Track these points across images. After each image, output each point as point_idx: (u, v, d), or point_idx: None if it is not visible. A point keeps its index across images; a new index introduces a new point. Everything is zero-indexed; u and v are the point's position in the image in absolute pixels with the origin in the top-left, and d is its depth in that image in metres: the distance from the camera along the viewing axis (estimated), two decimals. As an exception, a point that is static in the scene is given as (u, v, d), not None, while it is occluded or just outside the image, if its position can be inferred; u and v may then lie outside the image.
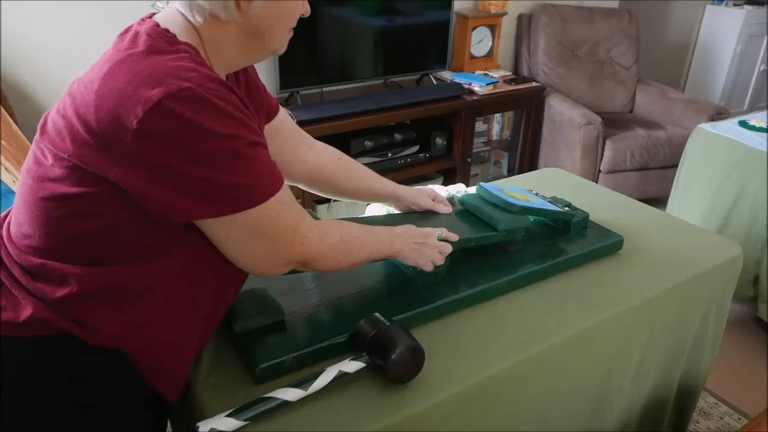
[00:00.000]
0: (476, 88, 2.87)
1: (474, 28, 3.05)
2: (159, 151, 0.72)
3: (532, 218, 1.34)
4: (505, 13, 3.11)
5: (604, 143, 2.96)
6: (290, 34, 0.91)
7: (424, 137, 2.82)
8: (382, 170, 2.67)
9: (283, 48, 0.91)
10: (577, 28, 3.35)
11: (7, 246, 0.84)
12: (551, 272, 1.23)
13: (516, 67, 3.50)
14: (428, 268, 1.07)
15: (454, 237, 1.11)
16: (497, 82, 2.98)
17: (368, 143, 2.63)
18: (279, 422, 0.85)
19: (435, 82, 2.96)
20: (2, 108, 1.89)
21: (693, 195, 2.42)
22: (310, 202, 2.54)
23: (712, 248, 1.38)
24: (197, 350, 0.94)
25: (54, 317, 0.79)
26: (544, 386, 1.08)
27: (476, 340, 1.04)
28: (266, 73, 2.61)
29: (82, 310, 0.80)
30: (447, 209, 1.29)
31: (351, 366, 0.90)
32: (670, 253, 1.34)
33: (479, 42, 3.13)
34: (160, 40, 0.79)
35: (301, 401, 0.87)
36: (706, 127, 2.40)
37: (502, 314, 1.11)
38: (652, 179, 3.05)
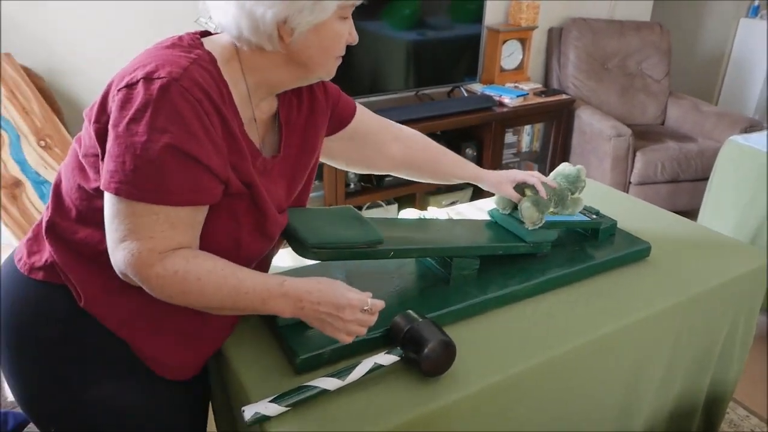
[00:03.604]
0: (506, 100, 2.92)
1: (505, 42, 3.09)
2: (113, 117, 0.81)
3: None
4: (535, 27, 3.15)
5: (634, 155, 2.97)
6: (337, 62, 0.96)
7: (454, 148, 2.84)
8: (413, 180, 2.72)
9: (329, 74, 0.96)
10: (607, 41, 3.37)
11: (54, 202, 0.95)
12: (579, 277, 1.26)
13: (546, 80, 3.53)
14: (342, 340, 0.91)
15: (380, 304, 0.92)
16: (527, 94, 3.02)
17: (399, 153, 2.69)
18: (318, 409, 0.90)
19: (466, 95, 3.01)
20: (57, 119, 2.00)
21: (724, 207, 2.41)
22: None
23: (740, 257, 1.40)
24: (197, 344, 1.00)
25: (59, 268, 0.91)
26: (570, 386, 1.11)
27: (504, 339, 1.08)
28: (302, 85, 2.70)
29: (76, 270, 0.91)
30: (541, 190, 1.27)
31: (386, 359, 0.95)
32: (697, 260, 1.37)
33: (510, 55, 3.17)
34: (186, 41, 0.89)
35: (339, 390, 0.92)
36: (738, 139, 2.40)
37: (530, 316, 1.15)
38: (683, 191, 3.04)
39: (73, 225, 0.91)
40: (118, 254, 0.82)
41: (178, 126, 0.79)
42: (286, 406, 0.88)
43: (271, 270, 1.26)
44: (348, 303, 0.88)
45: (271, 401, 0.88)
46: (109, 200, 0.82)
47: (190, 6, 2.56)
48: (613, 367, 1.18)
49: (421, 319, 0.98)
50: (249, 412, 0.86)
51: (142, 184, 0.79)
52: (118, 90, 0.81)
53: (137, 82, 0.80)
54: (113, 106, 0.81)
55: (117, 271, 0.84)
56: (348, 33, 0.94)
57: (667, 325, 1.23)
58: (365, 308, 0.89)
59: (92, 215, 0.88)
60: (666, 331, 1.24)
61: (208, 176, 0.84)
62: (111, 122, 0.81)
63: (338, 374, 0.92)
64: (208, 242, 0.89)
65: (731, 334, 1.40)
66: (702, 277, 1.30)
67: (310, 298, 0.88)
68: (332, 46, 0.92)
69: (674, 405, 1.38)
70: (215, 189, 0.86)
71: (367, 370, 0.93)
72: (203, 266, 0.84)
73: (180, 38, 0.90)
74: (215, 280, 0.84)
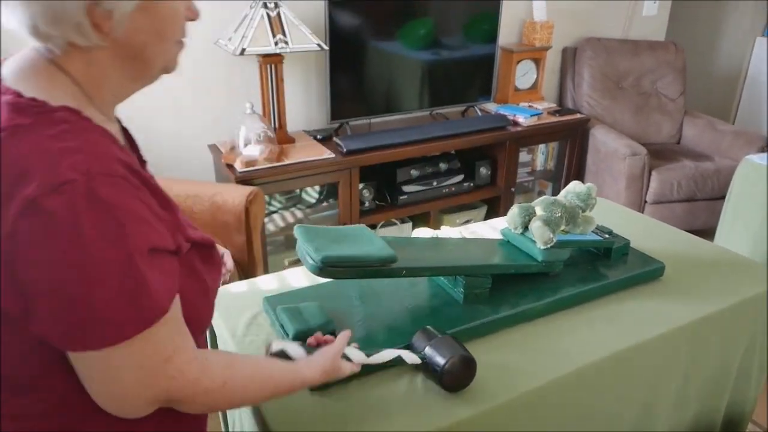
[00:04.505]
0: (521, 119, 2.93)
1: (519, 62, 3.12)
2: (28, 258, 0.60)
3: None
4: (549, 47, 3.17)
5: (649, 174, 2.96)
6: (180, 47, 0.76)
7: (468, 167, 2.88)
8: (427, 199, 2.76)
9: (173, 64, 0.77)
10: (621, 61, 3.38)
11: None
12: (591, 296, 1.26)
13: (560, 99, 3.54)
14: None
15: (357, 363, 0.94)
16: (542, 113, 3.03)
17: (414, 172, 2.71)
18: (336, 416, 0.93)
19: (480, 114, 3.03)
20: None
21: (741, 226, 2.40)
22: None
23: (755, 277, 1.39)
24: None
25: None
26: (584, 406, 1.11)
27: (516, 358, 1.08)
28: (318, 105, 2.74)
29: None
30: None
31: (409, 357, 0.97)
32: (712, 280, 1.36)
33: (524, 75, 3.19)
34: (29, 112, 0.64)
35: (361, 397, 0.95)
36: (755, 158, 2.39)
37: (543, 335, 1.15)
38: (700, 210, 3.02)
39: (27, 397, 0.70)
40: (155, 389, 0.68)
41: (127, 223, 0.63)
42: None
43: (286, 288, 1.28)
44: (342, 375, 0.92)
45: (299, 345, 0.93)
46: (96, 358, 0.64)
47: (206, 24, 2.60)
48: (627, 386, 1.17)
49: (441, 335, 1.00)
50: (276, 346, 0.92)
51: (125, 315, 0.63)
52: (11, 224, 0.59)
53: (31, 203, 0.59)
54: (9, 245, 0.60)
55: (134, 416, 0.70)
56: (186, 8, 0.75)
57: (681, 346, 1.23)
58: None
59: (53, 367, 0.68)
60: (680, 351, 1.23)
61: (170, 258, 0.70)
62: (31, 266, 0.60)
63: (364, 350, 0.95)
64: (186, 308, 0.75)
65: (748, 354, 1.39)
66: (716, 297, 1.30)
67: (316, 368, 0.89)
68: (169, 28, 0.72)
69: (691, 425, 1.37)
70: (176, 263, 0.73)
71: (390, 358, 0.96)
72: (244, 368, 0.80)
73: (6, 112, 0.64)
74: (258, 382, 0.81)
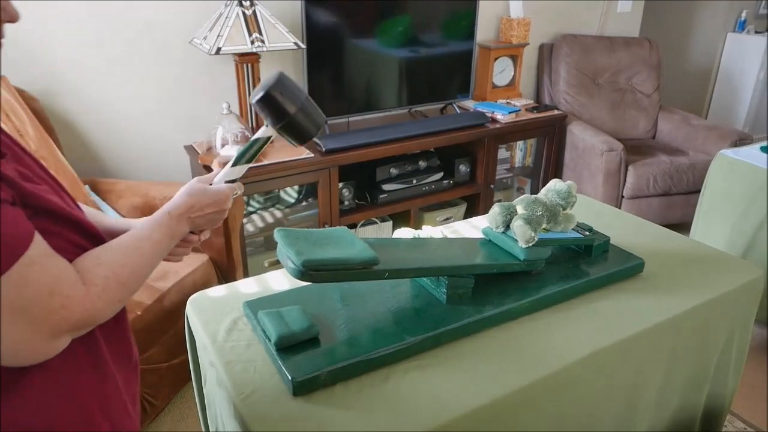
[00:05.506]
0: (499, 116, 2.94)
1: (496, 59, 3.13)
2: None
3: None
4: (526, 44, 3.19)
5: (626, 169, 2.99)
6: None
7: (448, 164, 2.88)
8: (407, 197, 2.75)
9: None
10: (597, 57, 3.41)
11: None
12: (573, 294, 1.27)
13: (538, 96, 3.56)
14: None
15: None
16: (519, 110, 3.05)
17: (393, 170, 2.71)
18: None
19: (458, 111, 3.03)
20: (51, 139, 2.01)
21: (716, 220, 2.43)
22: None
23: (733, 271, 1.41)
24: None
25: None
26: (568, 403, 1.12)
27: (501, 357, 1.08)
28: (295, 104, 2.71)
29: None
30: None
31: (263, 132, 0.98)
32: (691, 275, 1.38)
33: (501, 72, 3.20)
34: None
35: (344, 400, 0.92)
36: (728, 153, 2.43)
37: (526, 334, 1.15)
38: (676, 205, 3.06)
39: None
40: (51, 325, 0.69)
41: None
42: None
43: (267, 292, 1.27)
44: (226, 197, 0.93)
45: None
46: None
47: (180, 23, 2.55)
48: (610, 383, 1.18)
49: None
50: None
51: None
52: None
53: None
54: None
55: (50, 356, 0.71)
56: (3, 8, 0.74)
57: (663, 340, 1.24)
58: (236, 193, 0.95)
59: None
60: (661, 346, 1.24)
61: (9, 207, 0.69)
62: None
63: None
64: None
65: (727, 348, 1.41)
66: (696, 292, 1.31)
67: (197, 212, 0.90)
68: None
69: (672, 420, 1.39)
70: (19, 212, 0.71)
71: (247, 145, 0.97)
72: (113, 252, 0.79)
73: None
74: (136, 253, 0.81)
